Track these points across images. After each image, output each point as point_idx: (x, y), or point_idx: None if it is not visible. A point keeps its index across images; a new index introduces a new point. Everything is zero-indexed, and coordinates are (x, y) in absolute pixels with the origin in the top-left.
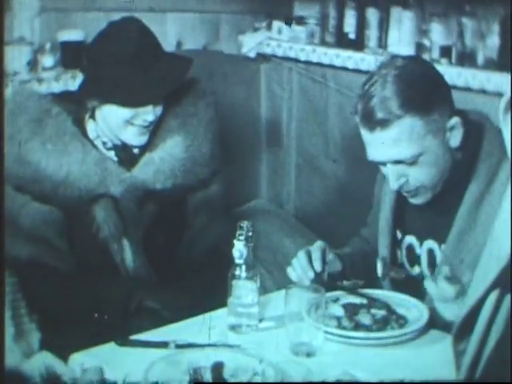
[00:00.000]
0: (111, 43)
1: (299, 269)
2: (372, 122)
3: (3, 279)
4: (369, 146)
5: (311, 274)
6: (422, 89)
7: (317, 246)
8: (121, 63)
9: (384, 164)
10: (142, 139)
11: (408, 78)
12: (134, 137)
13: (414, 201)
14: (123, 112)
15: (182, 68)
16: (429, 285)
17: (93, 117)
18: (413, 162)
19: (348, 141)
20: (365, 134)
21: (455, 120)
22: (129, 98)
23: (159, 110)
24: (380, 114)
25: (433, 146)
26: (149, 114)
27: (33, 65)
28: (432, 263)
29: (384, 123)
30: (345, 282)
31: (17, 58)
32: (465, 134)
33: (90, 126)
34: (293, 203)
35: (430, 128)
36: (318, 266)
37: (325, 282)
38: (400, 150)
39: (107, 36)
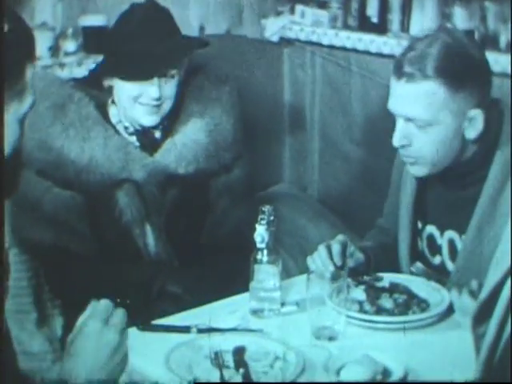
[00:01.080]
0: (123, 21)
1: (319, 262)
2: (402, 71)
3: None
4: (392, 94)
5: (331, 268)
6: (460, 63)
7: (337, 240)
8: (129, 39)
9: (397, 117)
10: (152, 119)
11: (454, 48)
12: (143, 116)
13: (411, 170)
14: (129, 88)
15: (190, 45)
16: (453, 295)
17: (115, 102)
18: (422, 126)
19: (371, 125)
20: (392, 80)
21: (476, 112)
22: (131, 70)
23: (168, 89)
24: (411, 67)
25: (446, 123)
26: (154, 90)
27: (55, 50)
28: (453, 254)
29: (411, 76)
30: (365, 277)
31: (39, 44)
32: (484, 129)
33: (112, 110)
34: (316, 187)
35: (451, 105)
36: (337, 260)
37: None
38: (414, 108)
39: (122, 15)
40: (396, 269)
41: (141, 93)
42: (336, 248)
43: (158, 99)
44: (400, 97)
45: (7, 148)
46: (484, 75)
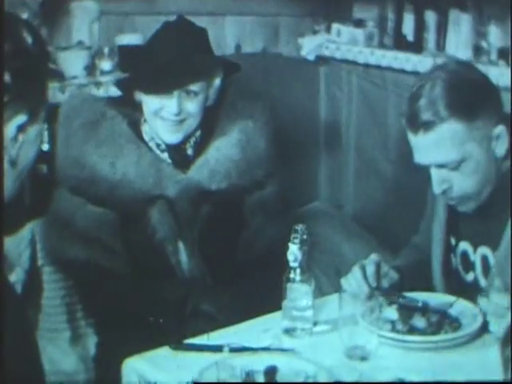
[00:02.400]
0: (154, 39)
1: (354, 284)
2: (416, 124)
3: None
4: (414, 149)
5: (366, 290)
6: (467, 94)
7: (371, 260)
8: (156, 54)
9: (428, 168)
10: (174, 137)
11: (455, 82)
12: (164, 132)
13: (459, 208)
14: (152, 102)
15: (213, 63)
16: (481, 301)
17: (147, 120)
18: (455, 167)
19: (407, 143)
20: (410, 136)
21: (500, 128)
22: (151, 83)
23: (191, 106)
24: (424, 116)
25: (476, 153)
26: (173, 105)
27: (91, 69)
28: (486, 270)
29: (427, 126)
30: (401, 300)
31: (75, 63)
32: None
33: (145, 128)
34: (351, 205)
35: (473, 135)
36: (372, 282)
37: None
38: (441, 153)
39: (154, 33)
40: (430, 286)
41: (161, 107)
42: (370, 269)
43: (178, 114)
44: (424, 148)
45: (29, 161)
46: (492, 92)
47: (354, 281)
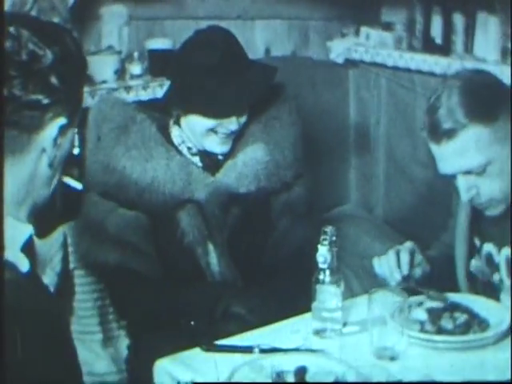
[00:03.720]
0: (197, 52)
1: (387, 268)
2: (438, 133)
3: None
4: (438, 160)
5: (398, 277)
6: (485, 98)
7: (406, 248)
8: (205, 73)
9: (454, 176)
10: (225, 148)
11: (472, 88)
12: (216, 145)
13: (487, 212)
14: (207, 121)
15: (267, 77)
16: (503, 297)
17: (177, 123)
18: (481, 171)
19: None
20: (433, 147)
21: None
22: (213, 109)
23: (243, 119)
24: (446, 125)
25: (500, 154)
26: (233, 123)
27: (121, 73)
28: (511, 271)
29: (450, 134)
30: (431, 293)
31: (105, 67)
32: None
33: (175, 131)
34: (381, 208)
35: (496, 136)
36: (405, 270)
37: (410, 286)
38: (467, 159)
39: (194, 45)
40: (455, 286)
41: (217, 125)
42: (405, 257)
43: (235, 131)
44: (448, 157)
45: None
46: (507, 94)
47: (386, 265)
